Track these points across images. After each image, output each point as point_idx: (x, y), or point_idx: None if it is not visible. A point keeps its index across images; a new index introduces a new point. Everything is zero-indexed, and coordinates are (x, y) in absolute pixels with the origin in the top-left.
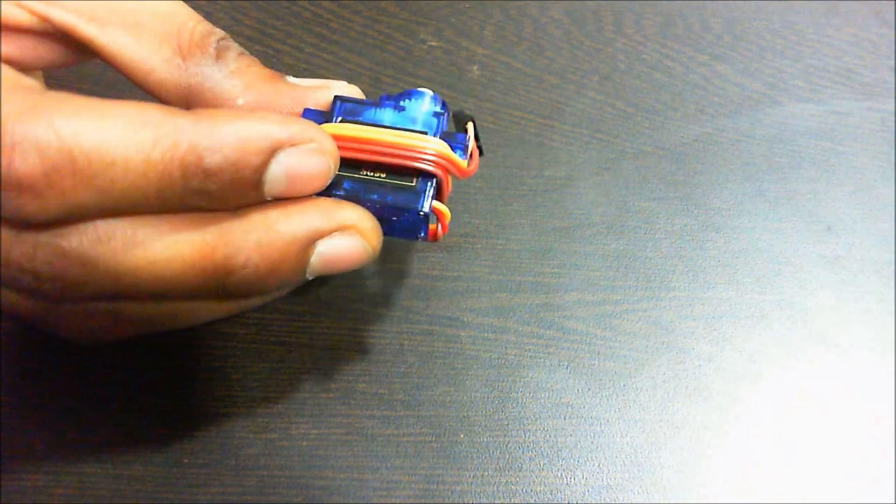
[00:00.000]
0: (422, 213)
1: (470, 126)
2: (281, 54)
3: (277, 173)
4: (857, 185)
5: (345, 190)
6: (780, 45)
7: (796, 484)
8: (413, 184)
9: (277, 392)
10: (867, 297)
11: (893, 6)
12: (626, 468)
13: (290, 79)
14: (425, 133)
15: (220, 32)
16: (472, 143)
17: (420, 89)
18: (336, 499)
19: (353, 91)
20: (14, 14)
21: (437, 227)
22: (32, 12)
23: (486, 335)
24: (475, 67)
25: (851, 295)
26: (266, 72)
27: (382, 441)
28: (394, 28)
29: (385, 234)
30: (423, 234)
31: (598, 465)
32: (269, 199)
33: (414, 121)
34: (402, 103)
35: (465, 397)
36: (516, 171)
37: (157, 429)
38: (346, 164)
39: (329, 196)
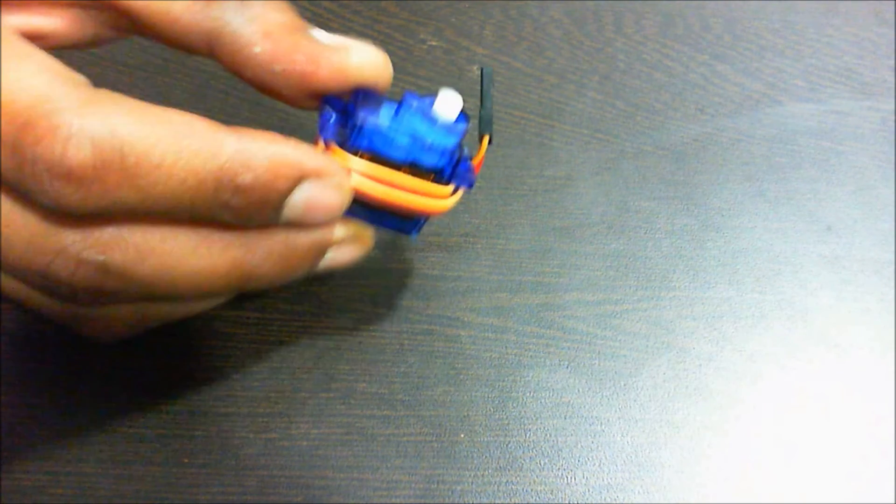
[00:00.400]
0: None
1: (485, 141)
2: None
3: (298, 201)
4: (857, 185)
5: (350, 212)
6: (780, 45)
7: (796, 484)
8: None
9: (277, 392)
10: (867, 297)
11: (893, 6)
12: (626, 468)
13: (314, 31)
14: (443, 179)
15: None
16: (481, 155)
17: (448, 95)
18: (336, 499)
19: (377, 58)
20: None
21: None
22: None
23: (486, 335)
24: (475, 67)
25: (851, 295)
26: (288, 21)
27: (382, 441)
28: (394, 28)
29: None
30: (414, 236)
31: (599, 465)
32: (283, 223)
33: (440, 135)
34: (432, 114)
35: (465, 397)
36: (516, 171)
37: (157, 429)
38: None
39: None
